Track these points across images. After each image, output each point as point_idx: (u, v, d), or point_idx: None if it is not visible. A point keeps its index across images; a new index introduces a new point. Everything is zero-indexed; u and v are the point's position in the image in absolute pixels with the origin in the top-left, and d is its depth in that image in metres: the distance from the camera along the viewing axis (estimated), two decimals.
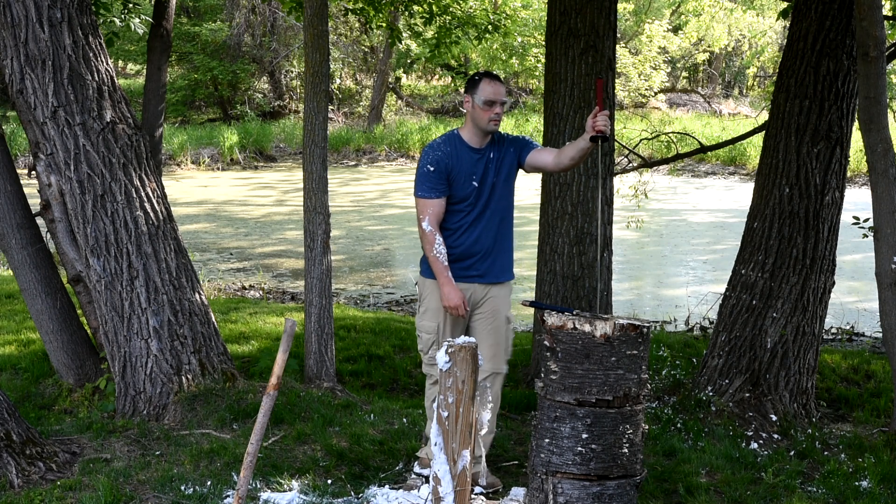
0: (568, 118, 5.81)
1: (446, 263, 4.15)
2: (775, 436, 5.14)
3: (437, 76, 34.14)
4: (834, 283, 5.53)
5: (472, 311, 4.33)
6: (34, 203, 5.36)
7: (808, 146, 5.29)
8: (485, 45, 17.75)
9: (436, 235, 4.14)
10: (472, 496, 3.87)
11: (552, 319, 3.26)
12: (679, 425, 5.22)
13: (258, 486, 4.23)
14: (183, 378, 5.09)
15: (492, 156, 4.20)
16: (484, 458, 3.86)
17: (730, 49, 32.81)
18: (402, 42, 14.93)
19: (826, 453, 4.92)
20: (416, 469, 4.40)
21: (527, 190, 18.41)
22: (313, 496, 4.14)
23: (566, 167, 4.16)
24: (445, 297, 4.15)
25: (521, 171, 4.37)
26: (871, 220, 4.94)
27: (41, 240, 5.40)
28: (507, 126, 26.68)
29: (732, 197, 18.75)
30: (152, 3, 9.74)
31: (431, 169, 4.13)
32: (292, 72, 30.22)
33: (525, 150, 4.23)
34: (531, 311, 8.21)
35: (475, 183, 4.17)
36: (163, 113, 9.77)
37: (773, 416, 5.28)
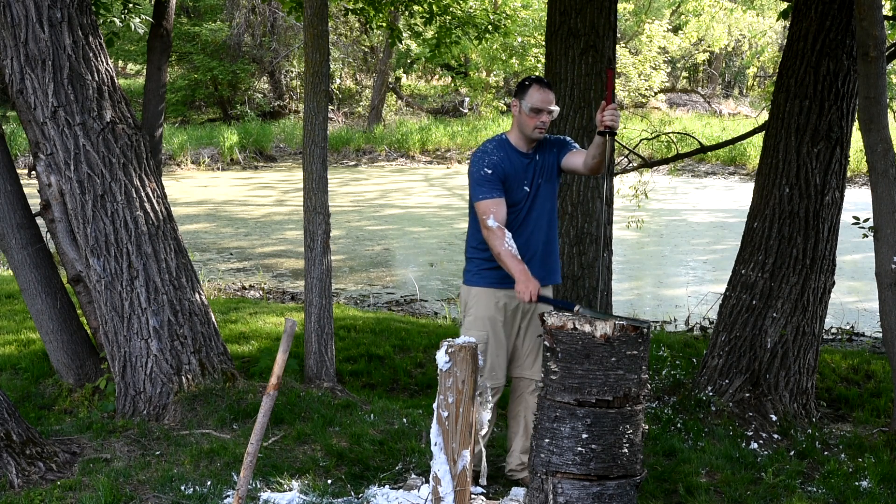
0: (568, 118, 5.81)
1: (519, 256, 3.99)
2: (775, 436, 5.14)
3: (437, 76, 34.15)
4: (834, 283, 5.53)
5: (522, 318, 4.25)
6: (34, 203, 5.36)
7: (808, 146, 5.29)
8: (485, 45, 17.75)
9: (504, 230, 4.00)
10: (472, 496, 3.87)
11: (552, 319, 3.26)
12: (679, 425, 5.21)
13: (258, 486, 4.24)
14: (183, 378, 5.09)
15: (538, 158, 4.18)
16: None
17: (730, 49, 32.82)
18: (402, 42, 14.96)
19: (826, 453, 4.92)
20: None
21: None
22: (313, 496, 4.14)
23: (593, 167, 4.07)
24: (522, 291, 3.86)
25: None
26: (871, 220, 4.94)
27: (41, 240, 5.40)
28: (507, 126, 26.69)
29: (732, 197, 18.76)
30: (152, 3, 9.75)
31: (489, 171, 4.05)
32: (292, 72, 30.23)
33: (563, 151, 4.21)
34: None
35: (526, 188, 4.14)
36: (163, 113, 9.78)
37: (773, 416, 5.28)
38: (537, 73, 4.67)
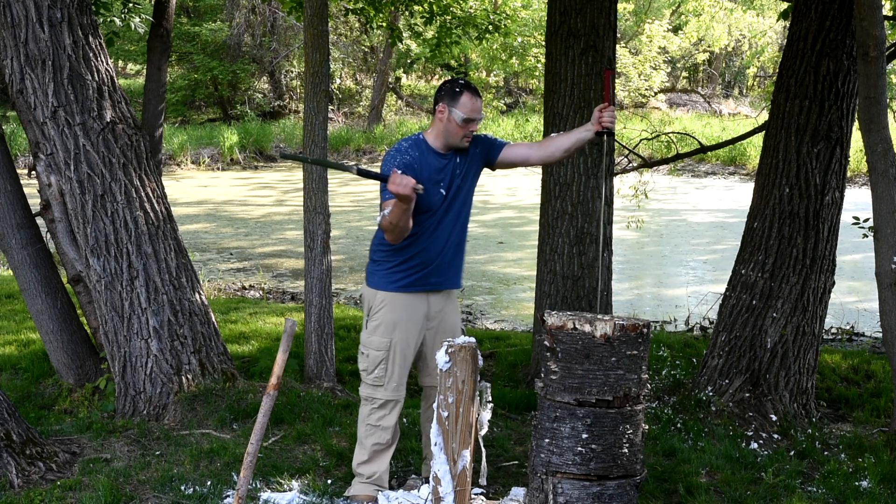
0: (568, 118, 5.81)
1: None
2: (775, 436, 5.14)
3: (437, 76, 34.15)
4: (834, 283, 5.53)
5: (429, 322, 4.08)
6: (34, 203, 5.36)
7: (808, 146, 5.29)
8: (485, 45, 17.76)
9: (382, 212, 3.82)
10: (472, 496, 3.87)
11: (552, 319, 3.26)
12: (679, 425, 5.22)
13: (258, 486, 4.24)
14: (183, 378, 5.09)
15: (458, 160, 4.02)
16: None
17: (730, 49, 32.82)
18: (402, 42, 14.94)
19: (826, 453, 4.92)
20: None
21: (527, 190, 18.43)
22: (313, 496, 4.14)
23: (558, 159, 4.07)
24: (398, 184, 3.62)
25: (487, 170, 4.24)
26: (871, 220, 4.94)
27: (41, 240, 5.41)
28: (507, 126, 26.69)
29: (732, 197, 18.75)
30: (152, 3, 9.75)
31: (399, 173, 3.82)
32: (292, 72, 30.22)
33: (493, 150, 4.08)
34: (531, 311, 8.21)
35: (443, 191, 3.98)
36: (163, 113, 9.78)
37: (773, 416, 5.28)
38: (469, 82, 4.41)
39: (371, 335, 4.05)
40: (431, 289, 4.05)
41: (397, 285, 4.01)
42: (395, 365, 4.03)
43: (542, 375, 3.32)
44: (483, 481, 3.92)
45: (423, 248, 3.97)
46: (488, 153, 4.10)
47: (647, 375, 3.30)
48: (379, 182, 3.90)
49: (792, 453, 4.91)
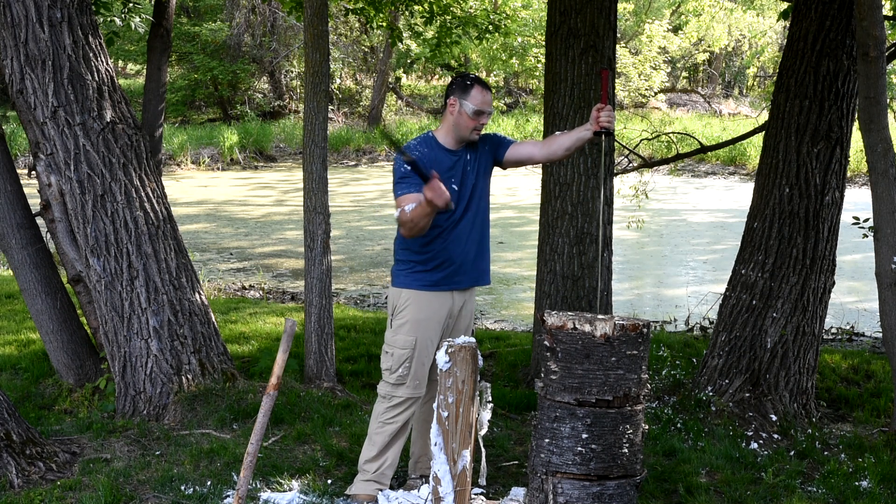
0: (568, 118, 5.81)
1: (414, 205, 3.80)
2: (775, 436, 5.14)
3: (437, 76, 34.17)
4: (834, 283, 5.53)
5: (449, 318, 4.10)
6: (34, 203, 5.37)
7: (808, 146, 5.29)
8: (485, 45, 17.77)
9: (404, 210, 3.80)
10: (472, 496, 3.87)
11: (552, 319, 3.26)
12: (679, 425, 5.22)
13: (258, 486, 4.24)
14: (183, 378, 5.09)
15: (468, 157, 4.05)
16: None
17: (730, 49, 32.83)
18: (402, 42, 14.94)
19: (826, 453, 4.92)
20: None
21: (527, 190, 18.43)
22: (313, 496, 4.14)
23: (560, 157, 4.10)
24: (436, 195, 3.64)
25: (497, 169, 4.27)
26: (871, 220, 4.94)
27: (41, 240, 5.41)
28: (507, 126, 26.70)
29: (732, 197, 18.76)
30: (152, 2, 9.75)
31: (410, 168, 3.83)
32: (292, 72, 30.23)
33: (501, 147, 4.13)
34: (531, 311, 8.21)
35: (455, 186, 3.99)
36: (163, 113, 9.78)
37: (773, 416, 5.28)
38: (474, 73, 4.46)
39: (396, 334, 4.08)
40: (456, 287, 4.08)
41: (422, 283, 4.03)
42: (418, 363, 4.06)
43: (542, 375, 3.32)
44: (483, 481, 3.92)
45: (445, 247, 4.00)
46: (496, 150, 4.15)
47: (647, 375, 3.30)
48: (394, 178, 3.95)
49: (792, 453, 4.91)
